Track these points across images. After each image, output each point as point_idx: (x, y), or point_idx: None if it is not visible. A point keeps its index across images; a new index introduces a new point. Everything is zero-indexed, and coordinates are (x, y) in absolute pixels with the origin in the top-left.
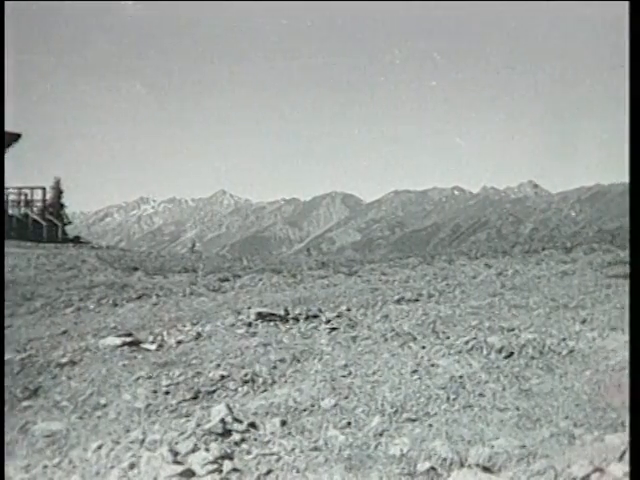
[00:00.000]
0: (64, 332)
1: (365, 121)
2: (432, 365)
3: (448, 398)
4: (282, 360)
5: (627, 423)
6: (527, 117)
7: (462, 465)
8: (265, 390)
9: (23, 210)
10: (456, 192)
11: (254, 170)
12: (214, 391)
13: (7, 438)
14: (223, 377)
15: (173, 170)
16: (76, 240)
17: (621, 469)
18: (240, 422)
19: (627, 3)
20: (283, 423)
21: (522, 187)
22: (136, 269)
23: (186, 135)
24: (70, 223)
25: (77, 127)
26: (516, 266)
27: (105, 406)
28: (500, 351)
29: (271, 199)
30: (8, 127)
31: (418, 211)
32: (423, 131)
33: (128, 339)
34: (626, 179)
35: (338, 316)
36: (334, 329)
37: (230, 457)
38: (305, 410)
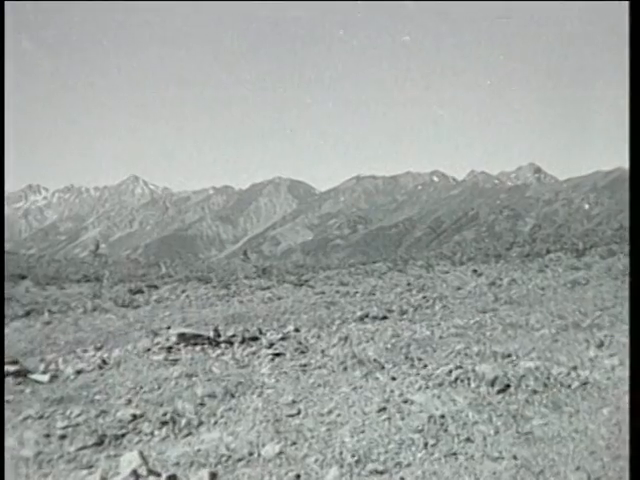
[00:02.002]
0: None
1: (319, 86)
2: (405, 401)
3: (426, 444)
4: (211, 395)
5: None
6: (527, 81)
7: None
8: (189, 434)
9: None
10: (436, 178)
11: (175, 150)
12: (124, 435)
13: None
14: (135, 417)
15: (70, 150)
16: None
17: None
18: (157, 475)
19: (627, 3)
20: (213, 476)
21: (521, 172)
22: (23, 277)
23: (88, 104)
24: None
25: None
26: (513, 274)
27: None
28: (492, 383)
29: (197, 187)
30: None
31: (387, 203)
32: (393, 99)
33: (13, 368)
34: None
35: (284, 338)
36: (278, 355)
37: None
38: (241, 459)
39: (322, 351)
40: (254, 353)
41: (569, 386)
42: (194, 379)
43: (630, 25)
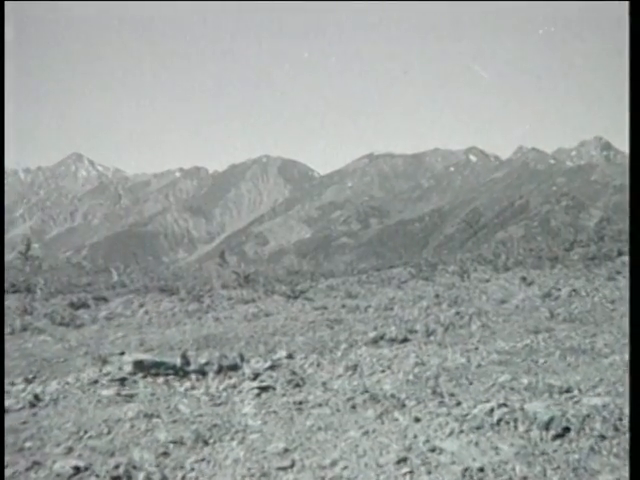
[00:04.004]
0: None
1: (319, 36)
2: (432, 450)
3: None
4: (178, 442)
5: None
6: (593, 29)
7: None
8: None
9: None
10: (473, 157)
11: (130, 120)
12: None
13: None
14: (78, 470)
15: None
16: None
17: None
18: None
19: (627, 3)
20: None
21: (584, 148)
22: None
23: (15, 57)
24: None
25: None
26: (574, 282)
27: None
28: (547, 426)
29: (159, 169)
30: None
31: (409, 189)
32: (417, 53)
33: None
34: None
35: (273, 367)
36: (266, 389)
37: None
38: None
39: (323, 384)
40: (234, 386)
41: None
42: (155, 420)
43: (630, 25)
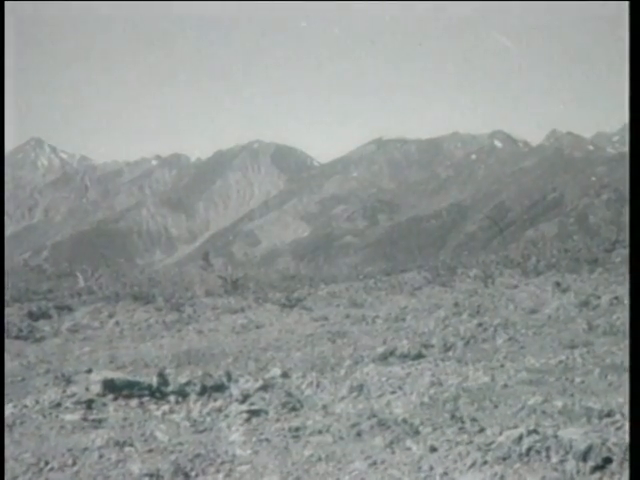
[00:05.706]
0: None
1: (321, 1)
2: None
3: None
4: (154, 474)
5: None
6: None
7: None
8: None
9: None
10: (498, 142)
11: (97, 99)
12: None
13: None
14: None
15: None
16: None
17: None
18: None
19: (627, 3)
20: None
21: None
22: None
23: None
24: None
25: None
26: (617, 288)
27: None
28: (585, 456)
29: (133, 156)
30: None
31: (423, 180)
32: (432, 21)
33: None
34: None
35: (265, 388)
36: (256, 413)
37: None
38: None
39: (324, 407)
40: (220, 410)
41: None
42: (128, 450)
43: (630, 25)
